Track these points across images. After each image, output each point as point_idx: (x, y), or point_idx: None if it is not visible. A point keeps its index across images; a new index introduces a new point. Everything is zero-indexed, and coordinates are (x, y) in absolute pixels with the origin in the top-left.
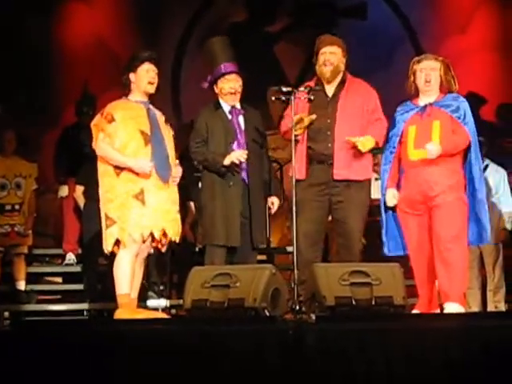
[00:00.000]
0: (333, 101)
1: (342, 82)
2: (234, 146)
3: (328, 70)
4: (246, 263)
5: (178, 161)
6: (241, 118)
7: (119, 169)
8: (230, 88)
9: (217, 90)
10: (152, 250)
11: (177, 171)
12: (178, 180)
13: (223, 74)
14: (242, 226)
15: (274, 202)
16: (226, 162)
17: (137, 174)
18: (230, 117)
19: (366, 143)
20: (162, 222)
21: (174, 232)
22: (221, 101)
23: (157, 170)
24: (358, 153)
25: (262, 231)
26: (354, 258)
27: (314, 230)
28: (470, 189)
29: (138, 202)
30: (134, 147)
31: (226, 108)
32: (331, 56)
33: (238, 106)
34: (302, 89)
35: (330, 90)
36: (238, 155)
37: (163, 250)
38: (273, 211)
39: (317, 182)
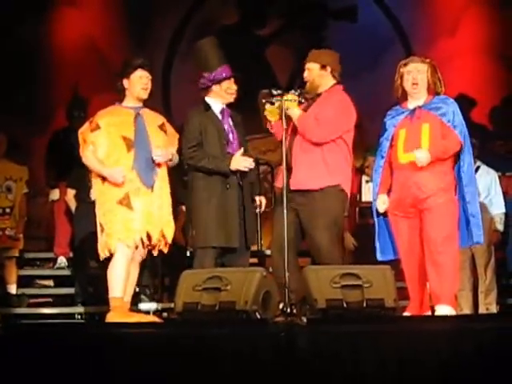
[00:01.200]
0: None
1: (319, 94)
2: (228, 147)
3: (307, 87)
4: (242, 264)
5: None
6: (230, 119)
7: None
8: (235, 89)
9: (218, 89)
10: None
11: (160, 153)
12: (164, 159)
13: (232, 75)
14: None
15: (262, 201)
16: (233, 167)
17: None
18: (220, 117)
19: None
20: (148, 226)
21: (168, 234)
22: (212, 101)
23: (139, 175)
24: (318, 161)
25: (254, 231)
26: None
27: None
28: (460, 190)
29: (123, 208)
30: (116, 154)
31: (217, 109)
32: (307, 73)
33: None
34: (292, 91)
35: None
36: (245, 164)
37: (165, 250)
38: (261, 210)
39: (288, 189)
